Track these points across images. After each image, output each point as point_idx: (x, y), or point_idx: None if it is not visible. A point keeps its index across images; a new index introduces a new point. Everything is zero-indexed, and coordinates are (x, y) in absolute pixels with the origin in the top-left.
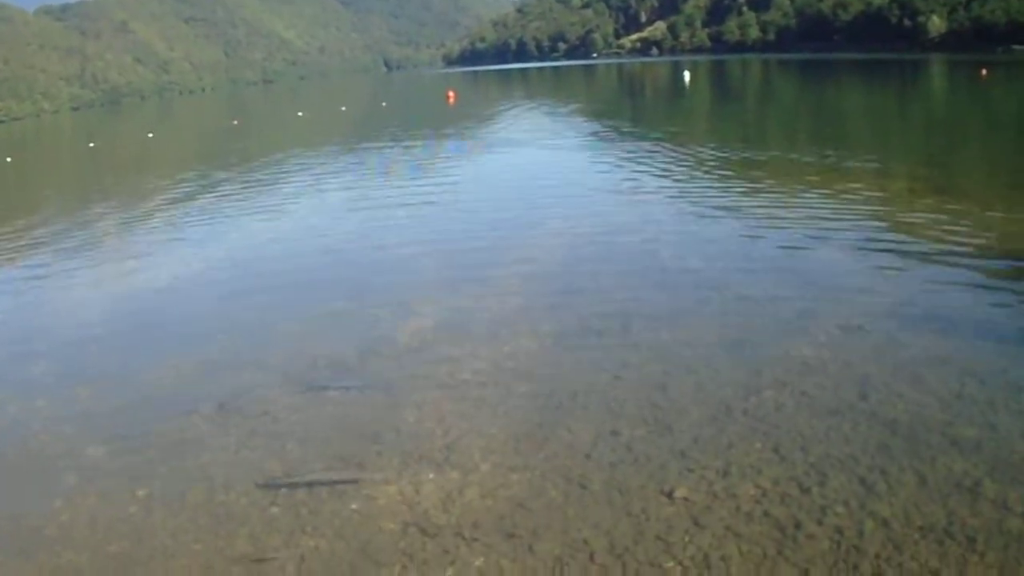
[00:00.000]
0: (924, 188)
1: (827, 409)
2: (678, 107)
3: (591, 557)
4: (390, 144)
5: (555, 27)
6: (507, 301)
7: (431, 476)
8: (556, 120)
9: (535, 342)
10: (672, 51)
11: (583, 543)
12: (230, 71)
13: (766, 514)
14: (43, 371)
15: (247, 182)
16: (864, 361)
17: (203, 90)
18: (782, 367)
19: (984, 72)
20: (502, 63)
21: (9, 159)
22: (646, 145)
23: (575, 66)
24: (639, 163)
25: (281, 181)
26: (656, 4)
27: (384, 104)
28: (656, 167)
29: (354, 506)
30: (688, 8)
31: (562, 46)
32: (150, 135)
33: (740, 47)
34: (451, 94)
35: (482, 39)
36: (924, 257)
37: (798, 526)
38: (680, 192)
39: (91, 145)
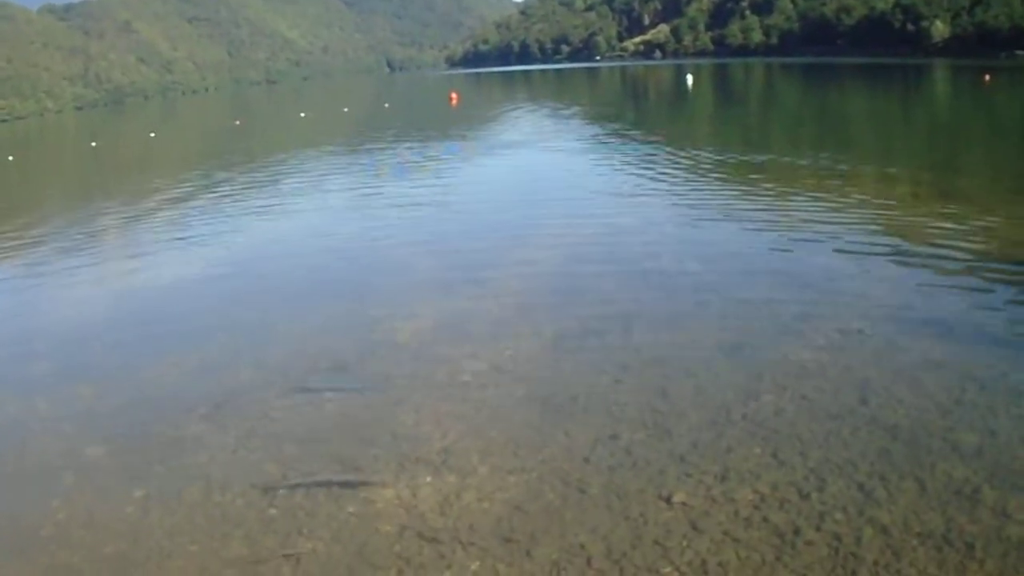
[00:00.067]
0: (926, 193)
1: (826, 414)
2: (681, 110)
3: (588, 562)
4: (392, 145)
5: (558, 29)
6: (507, 303)
7: (428, 479)
8: (558, 122)
9: (534, 344)
10: (675, 54)
11: (580, 547)
12: (233, 71)
13: (765, 520)
14: (43, 370)
15: (248, 182)
16: (864, 365)
17: (206, 90)
18: (782, 371)
19: (987, 77)
20: (505, 65)
21: (11, 158)
22: (648, 148)
23: (578, 69)
24: (641, 166)
25: (282, 181)
26: (659, 7)
27: (387, 105)
28: (658, 170)
29: (351, 509)
30: (691, 11)
31: (565, 48)
32: (152, 135)
33: (743, 51)
34: (454, 95)
35: (485, 41)
36: (925, 261)
37: (797, 532)
38: (681, 195)
39: (93, 144)
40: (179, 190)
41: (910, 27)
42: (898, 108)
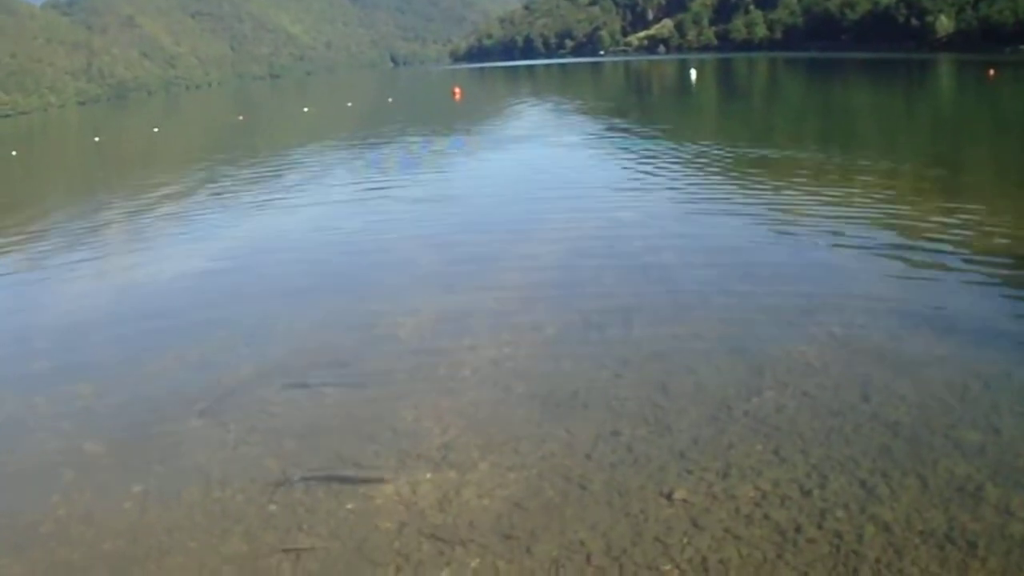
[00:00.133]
0: (930, 188)
1: (829, 410)
2: (684, 105)
3: (588, 559)
4: (395, 140)
5: (562, 24)
6: (508, 297)
7: (428, 475)
8: (562, 117)
9: (535, 340)
10: (679, 49)
11: (580, 544)
12: (236, 66)
13: (766, 517)
14: (42, 365)
15: (251, 177)
16: (866, 362)
17: (209, 85)
18: (783, 367)
19: (992, 72)
20: (509, 60)
21: (15, 152)
22: (652, 143)
23: (582, 63)
24: (643, 160)
25: (285, 176)
26: (663, 2)
27: (390, 100)
28: (661, 165)
29: (350, 505)
30: (695, 6)
31: (569, 43)
32: (155, 130)
33: (747, 45)
34: (457, 90)
35: (489, 36)
36: (928, 257)
37: (798, 529)
38: (684, 189)
39: (96, 139)
40: (181, 185)
41: (914, 22)
42: (902, 103)
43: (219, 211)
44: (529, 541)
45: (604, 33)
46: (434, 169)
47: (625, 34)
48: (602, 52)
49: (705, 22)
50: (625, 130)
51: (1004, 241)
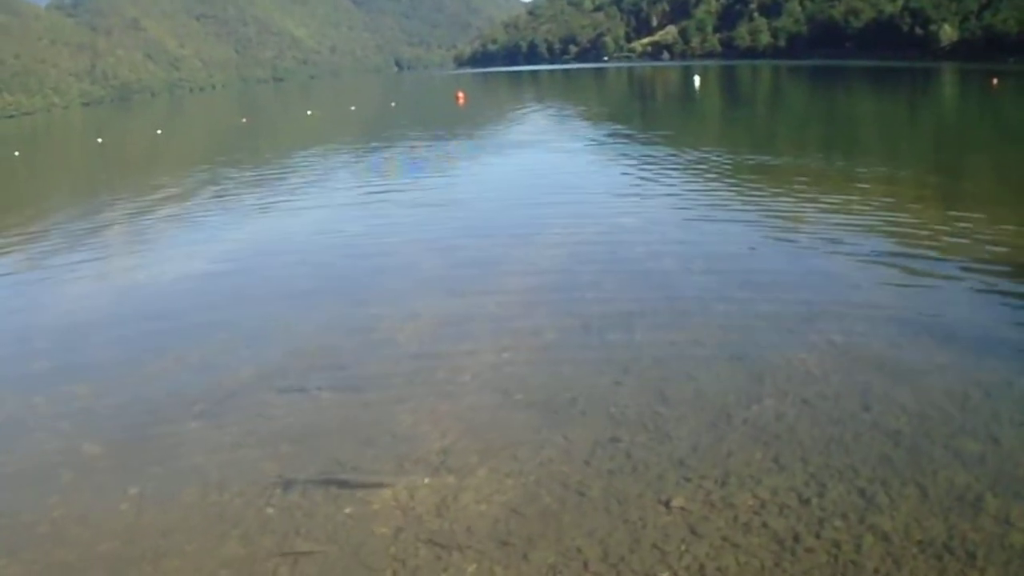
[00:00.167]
0: (932, 196)
1: (828, 418)
2: (688, 112)
3: (585, 566)
4: (398, 144)
5: (566, 30)
6: (508, 302)
7: (426, 480)
8: (565, 123)
9: (535, 345)
10: (683, 56)
11: (577, 551)
12: (241, 69)
13: (764, 525)
14: (42, 366)
15: (254, 180)
16: (866, 370)
17: (213, 87)
18: (783, 375)
19: (995, 81)
20: (513, 65)
21: (17, 153)
22: (654, 149)
23: (586, 69)
24: (646, 167)
25: (288, 179)
26: (667, 8)
27: (394, 104)
28: (663, 171)
29: (348, 510)
30: (699, 13)
31: (573, 49)
32: (159, 132)
33: (751, 53)
34: (461, 95)
35: (493, 41)
36: (930, 266)
37: (796, 538)
38: (686, 197)
39: (99, 141)
40: (184, 187)
41: (918, 31)
42: (905, 111)
43: (221, 213)
44: (526, 548)
45: (608, 39)
46: (436, 173)
47: (629, 40)
48: (606, 58)
49: (709, 29)
50: (628, 136)
51: (1005, 249)
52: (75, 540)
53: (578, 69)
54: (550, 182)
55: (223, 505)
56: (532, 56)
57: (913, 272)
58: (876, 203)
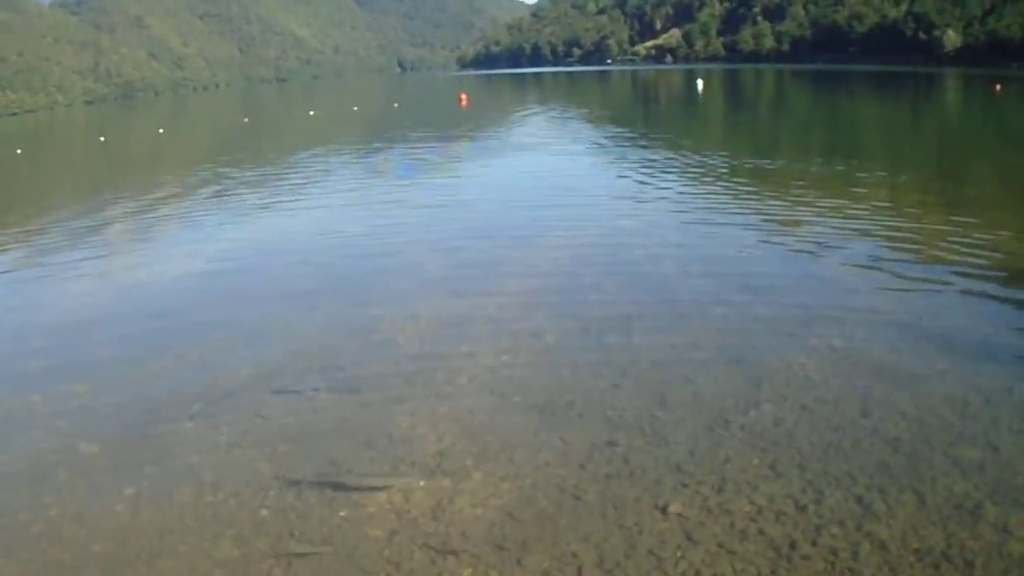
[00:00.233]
0: (935, 202)
1: (826, 425)
2: (691, 115)
3: (579, 571)
4: (401, 145)
5: (570, 32)
6: (507, 304)
7: (422, 483)
8: (568, 125)
9: (534, 347)
10: (686, 59)
11: (572, 556)
12: (244, 68)
13: (761, 532)
14: (39, 364)
15: (256, 179)
16: (866, 376)
17: (216, 86)
18: (782, 380)
19: (998, 87)
20: (516, 67)
21: (20, 151)
22: (657, 153)
23: (589, 72)
24: (649, 170)
25: (290, 179)
26: (671, 12)
27: (396, 105)
28: (665, 175)
29: (343, 512)
30: (703, 17)
31: (576, 51)
32: (161, 131)
33: (754, 57)
34: (463, 97)
35: (497, 42)
36: (931, 272)
37: (793, 546)
38: (688, 201)
39: (102, 139)
40: (186, 186)
41: (922, 36)
42: (908, 116)
43: (223, 212)
44: (521, 552)
45: (612, 42)
46: (438, 174)
47: (632, 43)
48: (609, 61)
49: (713, 33)
50: (630, 139)
51: (1006, 255)
52: (70, 539)
53: (581, 72)
54: (551, 184)
55: (218, 506)
56: (535, 58)
57: (913, 277)
58: (877, 208)
